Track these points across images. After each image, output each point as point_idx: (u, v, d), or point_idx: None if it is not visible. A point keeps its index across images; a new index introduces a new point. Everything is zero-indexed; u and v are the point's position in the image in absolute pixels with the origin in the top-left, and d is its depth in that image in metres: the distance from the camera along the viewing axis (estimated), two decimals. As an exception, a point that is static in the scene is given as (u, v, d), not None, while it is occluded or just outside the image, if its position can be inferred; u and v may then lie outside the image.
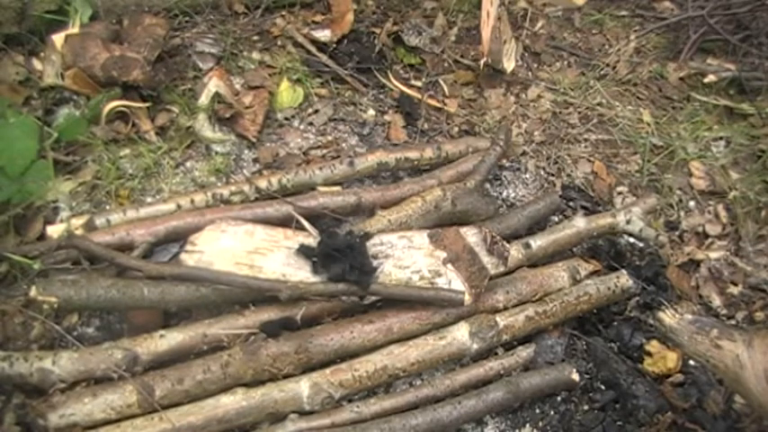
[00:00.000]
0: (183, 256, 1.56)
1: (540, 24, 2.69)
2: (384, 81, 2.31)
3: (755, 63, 2.73)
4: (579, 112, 2.47)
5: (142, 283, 1.52)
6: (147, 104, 1.95)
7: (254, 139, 2.02)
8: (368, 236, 1.67)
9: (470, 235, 1.73)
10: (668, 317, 1.64)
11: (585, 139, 2.40)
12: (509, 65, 2.39)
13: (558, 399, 1.76)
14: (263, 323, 1.56)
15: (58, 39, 1.88)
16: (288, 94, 2.16)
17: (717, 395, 1.80)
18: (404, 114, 2.26)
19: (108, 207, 1.78)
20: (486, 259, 1.71)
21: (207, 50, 2.17)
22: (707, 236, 2.26)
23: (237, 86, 2.12)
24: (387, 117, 2.25)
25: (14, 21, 1.93)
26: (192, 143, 1.98)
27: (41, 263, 1.54)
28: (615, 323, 1.92)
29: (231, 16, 2.30)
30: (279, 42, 2.30)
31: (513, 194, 2.19)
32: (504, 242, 1.76)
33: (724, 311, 2.07)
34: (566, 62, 2.66)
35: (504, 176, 2.22)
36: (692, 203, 2.34)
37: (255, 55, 2.24)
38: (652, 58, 2.75)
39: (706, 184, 2.38)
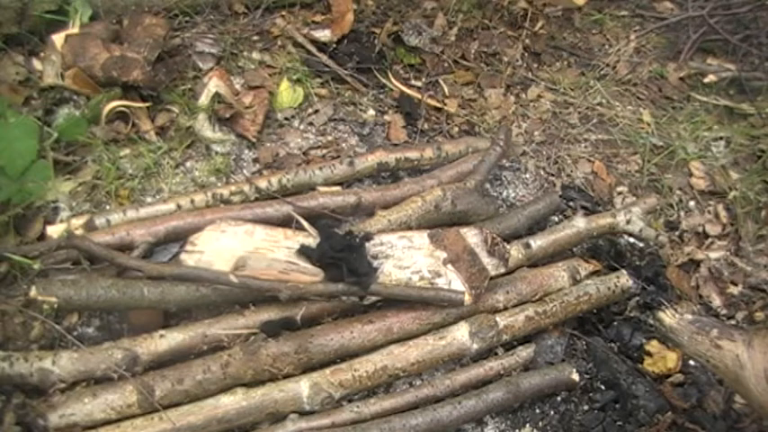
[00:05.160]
0: (183, 256, 1.56)
1: (540, 24, 2.69)
2: (384, 81, 2.31)
3: (755, 63, 2.73)
4: (579, 112, 2.47)
5: (142, 283, 1.52)
6: (147, 104, 1.95)
7: (254, 139, 2.02)
8: (368, 236, 1.67)
9: (471, 236, 1.73)
10: (668, 317, 1.64)
11: (585, 139, 2.40)
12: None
13: (558, 399, 1.76)
14: (263, 323, 1.56)
15: (58, 39, 1.88)
16: (288, 94, 2.16)
17: (717, 395, 1.80)
18: (404, 114, 2.26)
19: (108, 207, 1.78)
20: (487, 260, 1.71)
21: (207, 50, 2.16)
22: (707, 236, 2.25)
23: (237, 86, 2.12)
24: (387, 117, 2.25)
25: (14, 21, 1.92)
26: (192, 143, 1.98)
27: (41, 263, 1.54)
28: (615, 323, 1.92)
29: (231, 16, 2.30)
30: (279, 42, 2.30)
31: (513, 194, 2.19)
32: (505, 243, 1.76)
33: (724, 311, 2.07)
34: (566, 62, 2.66)
35: (504, 176, 2.22)
36: (692, 203, 2.34)
37: (255, 55, 2.24)
38: (652, 58, 2.74)
39: (706, 184, 2.38)
